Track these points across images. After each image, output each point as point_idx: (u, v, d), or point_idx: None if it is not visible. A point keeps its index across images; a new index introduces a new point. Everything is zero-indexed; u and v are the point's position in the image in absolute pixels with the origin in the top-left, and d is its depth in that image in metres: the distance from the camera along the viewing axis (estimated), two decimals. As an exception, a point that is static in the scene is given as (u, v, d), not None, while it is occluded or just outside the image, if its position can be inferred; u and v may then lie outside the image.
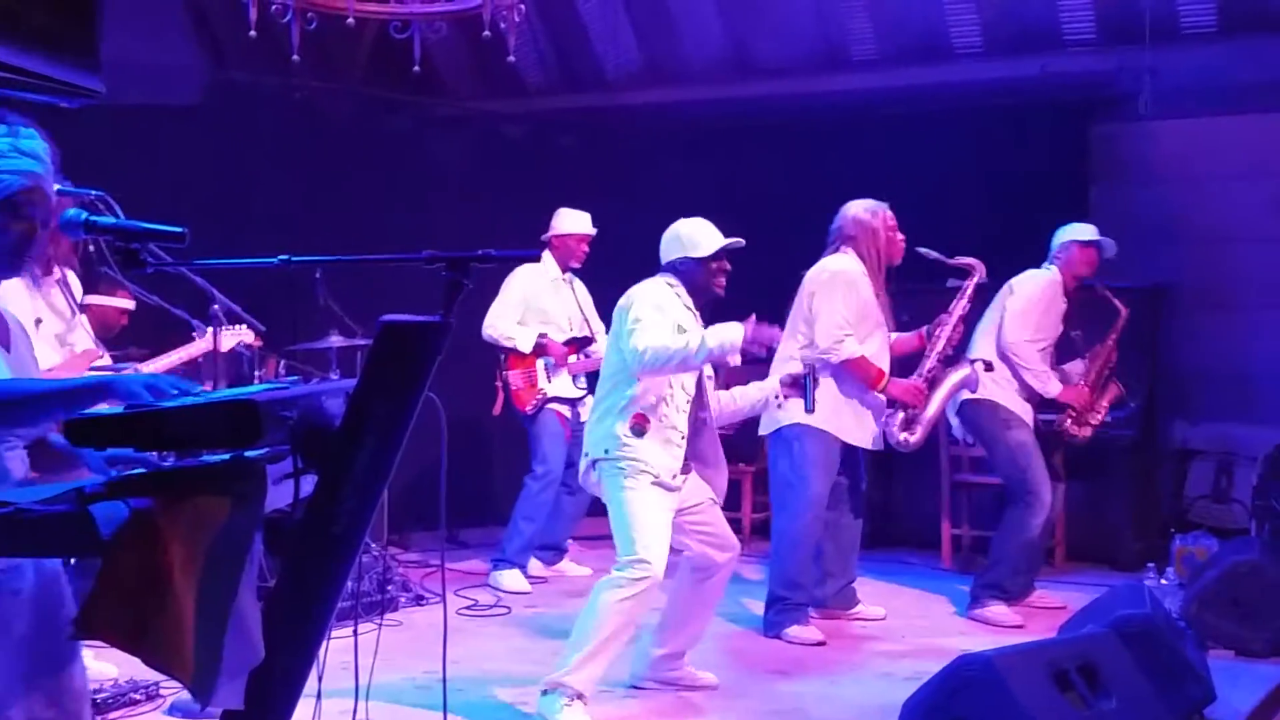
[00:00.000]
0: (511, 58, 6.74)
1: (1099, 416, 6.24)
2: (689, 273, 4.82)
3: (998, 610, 6.05)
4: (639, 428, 4.66)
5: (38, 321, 4.44)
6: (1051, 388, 6.07)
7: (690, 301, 4.81)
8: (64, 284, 4.83)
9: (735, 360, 4.67)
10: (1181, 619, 5.27)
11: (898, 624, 6.08)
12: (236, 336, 5.51)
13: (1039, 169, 6.86)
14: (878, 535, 7.74)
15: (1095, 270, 6.19)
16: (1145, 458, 7.54)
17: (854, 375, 5.69)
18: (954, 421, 6.65)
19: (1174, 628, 4.41)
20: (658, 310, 4.69)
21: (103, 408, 2.20)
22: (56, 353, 4.69)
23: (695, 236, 4.84)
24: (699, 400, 4.82)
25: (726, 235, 4.81)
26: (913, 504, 7.81)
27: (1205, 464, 7.63)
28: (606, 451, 4.69)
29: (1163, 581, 6.51)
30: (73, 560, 2.58)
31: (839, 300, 5.67)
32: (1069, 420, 6.18)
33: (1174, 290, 7.77)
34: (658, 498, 4.65)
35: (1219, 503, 7.43)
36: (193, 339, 5.35)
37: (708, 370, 4.86)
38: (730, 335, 4.59)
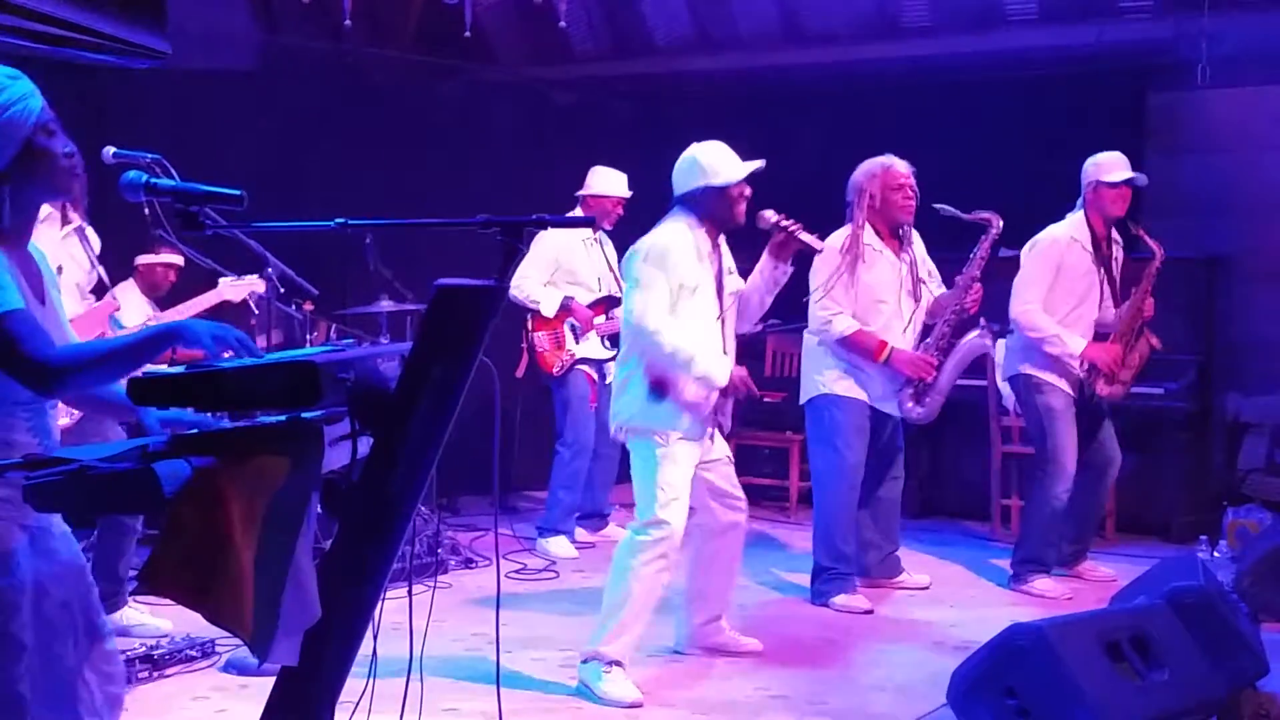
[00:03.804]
0: (562, 23, 6.73)
1: (1129, 374, 5.96)
2: (709, 203, 4.65)
3: (1042, 584, 5.99)
4: (658, 392, 4.59)
5: (59, 269, 4.50)
6: (1073, 345, 5.84)
7: (707, 243, 4.66)
8: (81, 234, 4.87)
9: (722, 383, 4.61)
10: (1234, 592, 5.22)
11: (947, 594, 6.07)
12: (248, 287, 5.56)
13: (1094, 138, 6.74)
14: (926, 505, 7.74)
15: (1128, 208, 5.95)
16: (1198, 430, 7.46)
17: (853, 350, 5.64)
18: (1005, 390, 6.59)
19: (1227, 600, 4.36)
20: (659, 269, 4.55)
21: (164, 368, 2.23)
22: (78, 303, 4.74)
23: (716, 164, 4.66)
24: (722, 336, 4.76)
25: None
26: (962, 475, 7.78)
27: (1259, 437, 7.52)
28: (630, 418, 4.66)
29: (1215, 554, 6.45)
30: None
31: (822, 278, 5.62)
32: (1099, 380, 5.91)
33: (1230, 261, 7.66)
34: (684, 455, 4.62)
35: (1273, 476, 7.32)
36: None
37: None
38: (719, 372, 4.55)
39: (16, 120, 2.42)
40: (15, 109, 2.43)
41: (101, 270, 4.98)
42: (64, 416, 4.01)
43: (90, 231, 4.92)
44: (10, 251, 2.45)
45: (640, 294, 4.56)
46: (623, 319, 4.77)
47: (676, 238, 4.63)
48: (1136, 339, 6.00)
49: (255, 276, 5.44)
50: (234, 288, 5.55)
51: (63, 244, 4.73)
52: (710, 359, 4.58)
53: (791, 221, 4.69)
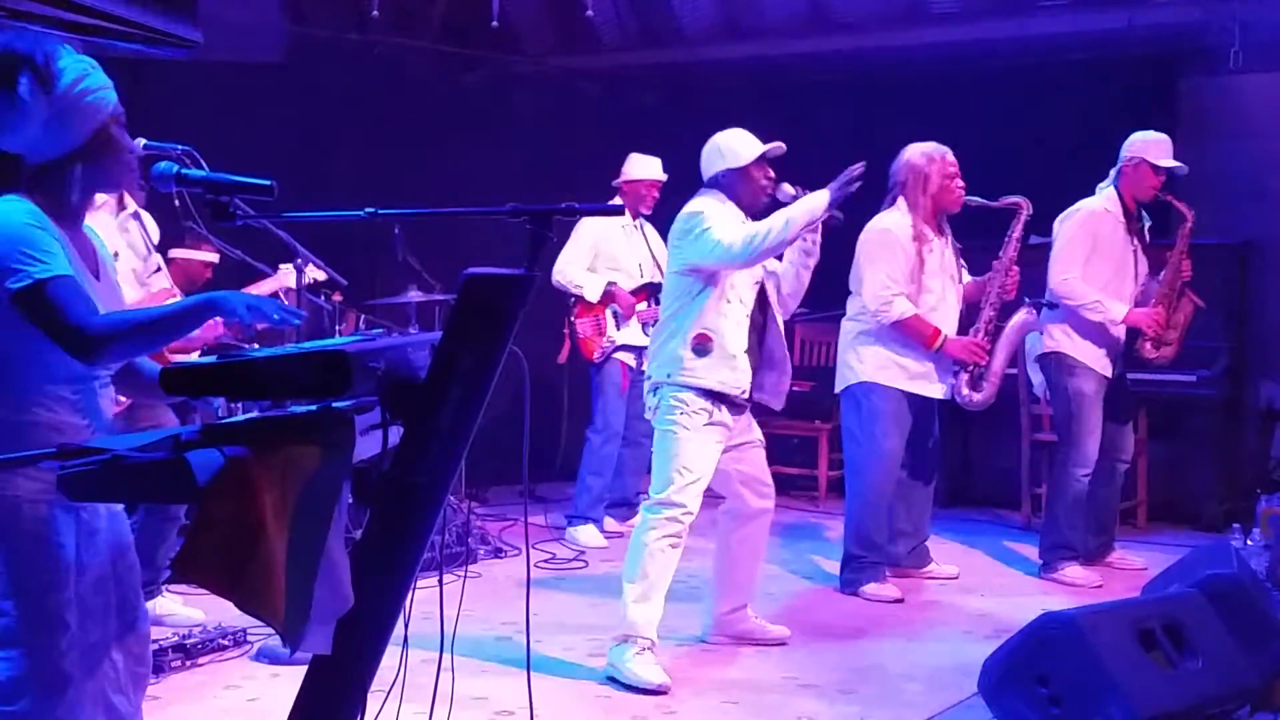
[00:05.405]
0: (589, 12, 6.72)
1: (1175, 334, 5.94)
2: (733, 185, 4.76)
3: (1073, 571, 5.97)
4: (702, 347, 4.61)
5: (115, 255, 4.51)
6: (1115, 312, 5.81)
7: (741, 215, 4.72)
8: (139, 221, 4.89)
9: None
10: (1268, 580, 5.19)
11: (977, 582, 6.04)
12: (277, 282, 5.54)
13: (1125, 124, 6.70)
14: (956, 494, 7.72)
15: (1157, 193, 5.92)
16: (1231, 417, 7.41)
17: (907, 335, 5.61)
18: (1035, 379, 6.55)
19: (1261, 588, 4.34)
20: (721, 211, 4.65)
21: (194, 356, 2.24)
22: (134, 290, 4.76)
23: (735, 146, 4.77)
24: (761, 308, 4.77)
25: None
26: (992, 463, 7.76)
27: (1293, 424, 7.48)
28: (669, 375, 4.65)
29: (1248, 543, 6.39)
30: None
31: (882, 259, 5.59)
32: (1147, 344, 5.90)
33: (1262, 247, 7.60)
34: (708, 439, 4.63)
35: (1306, 463, 7.28)
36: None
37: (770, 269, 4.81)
38: (815, 202, 4.53)
39: (98, 105, 2.48)
40: (99, 94, 2.49)
41: (159, 257, 5.00)
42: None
43: (148, 218, 4.94)
44: (66, 228, 2.50)
45: (716, 228, 4.57)
46: (678, 285, 4.71)
47: (716, 203, 4.71)
48: (1178, 300, 5.98)
49: (289, 266, 5.43)
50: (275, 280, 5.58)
51: (119, 230, 4.76)
52: (795, 204, 4.57)
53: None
